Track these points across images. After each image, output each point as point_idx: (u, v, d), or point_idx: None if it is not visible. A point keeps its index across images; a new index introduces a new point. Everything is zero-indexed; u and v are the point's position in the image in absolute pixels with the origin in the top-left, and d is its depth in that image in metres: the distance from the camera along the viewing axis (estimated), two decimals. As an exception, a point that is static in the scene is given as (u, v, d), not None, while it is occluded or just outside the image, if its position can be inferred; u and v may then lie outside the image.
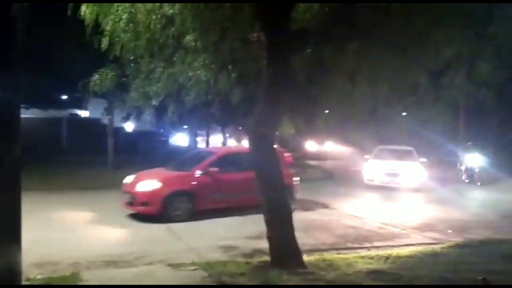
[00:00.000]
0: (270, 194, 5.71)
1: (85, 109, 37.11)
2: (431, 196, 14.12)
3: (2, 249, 4.53)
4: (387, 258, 6.73)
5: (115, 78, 6.31)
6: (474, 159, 17.16)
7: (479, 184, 16.54)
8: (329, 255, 7.00)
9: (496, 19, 5.40)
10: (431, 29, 5.66)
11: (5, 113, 4.64)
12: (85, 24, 5.72)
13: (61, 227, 8.86)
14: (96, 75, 6.22)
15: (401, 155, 16.06)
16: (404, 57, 6.19)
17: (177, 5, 5.55)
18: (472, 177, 17.14)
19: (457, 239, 8.56)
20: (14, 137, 4.64)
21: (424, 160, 16.11)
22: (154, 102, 6.33)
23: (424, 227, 9.69)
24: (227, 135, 36.66)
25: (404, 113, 7.08)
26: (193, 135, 31.07)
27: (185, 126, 35.60)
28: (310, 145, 33.18)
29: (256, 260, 6.48)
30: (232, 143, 39.31)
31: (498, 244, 7.93)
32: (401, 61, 6.20)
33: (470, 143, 18.08)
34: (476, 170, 17.01)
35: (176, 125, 32.66)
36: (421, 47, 5.94)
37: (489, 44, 5.51)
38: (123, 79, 6.43)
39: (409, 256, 6.96)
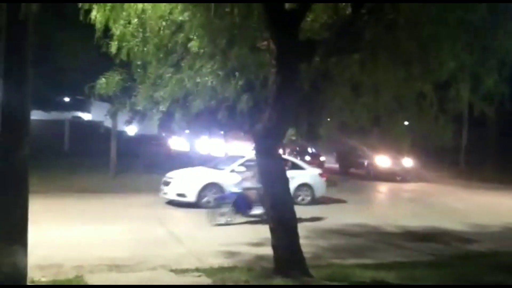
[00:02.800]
0: (275, 201, 5.73)
1: (88, 111, 37.22)
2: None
3: (9, 251, 4.60)
4: (391, 268, 6.75)
5: (122, 82, 6.34)
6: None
7: None
8: (333, 264, 7.02)
9: (501, 33, 5.46)
10: (435, 41, 5.72)
11: (15, 117, 4.71)
12: (95, 28, 5.77)
13: (63, 229, 8.89)
14: (103, 79, 6.25)
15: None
16: (408, 69, 6.24)
17: (187, 12, 5.61)
18: None
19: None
20: (24, 142, 4.71)
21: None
22: (162, 108, 6.35)
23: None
24: (226, 140, 36.71)
25: (406, 122, 7.09)
26: (194, 140, 31.10)
27: (187, 131, 35.68)
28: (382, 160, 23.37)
29: (259, 267, 6.51)
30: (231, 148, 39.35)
31: (500, 256, 7.94)
32: (405, 72, 6.25)
33: None
34: None
35: (178, 130, 32.69)
36: (425, 59, 5.99)
37: (492, 58, 5.54)
38: (129, 83, 6.46)
39: (413, 267, 6.97)
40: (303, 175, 14.05)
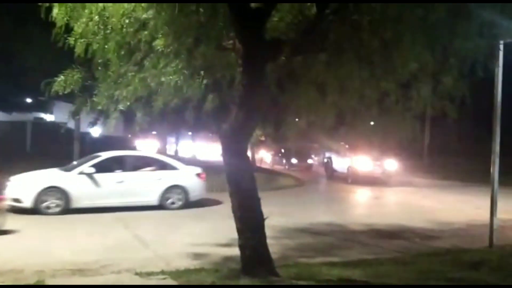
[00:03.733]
0: (242, 201, 5.70)
1: (51, 113, 36.23)
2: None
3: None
4: (357, 266, 6.83)
5: (81, 80, 6.16)
6: None
7: None
8: (300, 263, 7.05)
9: (460, 33, 5.62)
10: (397, 42, 5.83)
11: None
12: (57, 26, 5.61)
13: (24, 234, 8.61)
14: (61, 76, 6.06)
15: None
16: (372, 69, 6.34)
17: (151, 10, 5.51)
18: None
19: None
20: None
21: None
22: (122, 107, 6.19)
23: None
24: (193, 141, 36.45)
25: (371, 123, 7.21)
26: (163, 141, 30.77)
27: (154, 132, 35.26)
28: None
29: (226, 268, 6.47)
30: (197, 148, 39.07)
31: (463, 252, 8.16)
32: (369, 72, 6.35)
33: None
34: None
35: (144, 131, 32.22)
36: (387, 60, 6.10)
37: (452, 58, 5.73)
38: (89, 82, 6.29)
39: (378, 264, 7.08)
40: (175, 175, 12.79)
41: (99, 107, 6.24)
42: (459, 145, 31.81)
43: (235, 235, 5.89)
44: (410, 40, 5.55)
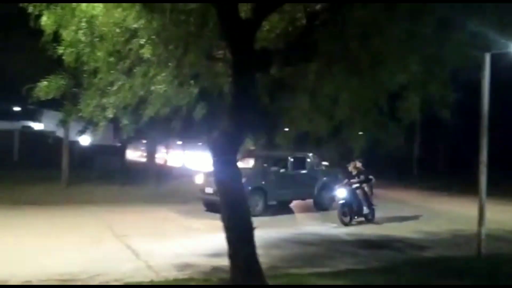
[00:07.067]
0: (231, 211, 5.68)
1: (39, 121, 35.93)
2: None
3: None
4: (346, 275, 6.83)
5: (65, 86, 6.09)
6: None
7: None
8: (290, 273, 7.03)
9: (449, 45, 5.73)
10: (384, 53, 5.90)
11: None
12: (45, 34, 5.58)
13: (10, 243, 8.48)
14: (44, 82, 5.99)
15: None
16: (361, 80, 6.39)
17: (142, 19, 5.52)
18: None
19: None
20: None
21: None
22: (109, 114, 6.15)
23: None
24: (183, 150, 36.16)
25: (360, 133, 7.25)
26: (152, 150, 30.56)
27: (144, 141, 35.08)
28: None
29: (215, 278, 6.43)
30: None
31: (450, 261, 8.20)
32: (358, 83, 6.40)
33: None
34: None
35: (133, 140, 32.05)
36: (376, 70, 6.16)
37: (440, 67, 5.82)
38: (74, 89, 6.23)
39: (366, 273, 7.09)
40: None
41: (84, 115, 6.18)
42: (447, 156, 32.08)
43: (225, 245, 5.86)
44: (398, 52, 5.61)
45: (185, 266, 7.37)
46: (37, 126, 35.87)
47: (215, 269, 7.04)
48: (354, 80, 6.30)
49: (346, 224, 12.08)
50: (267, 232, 10.51)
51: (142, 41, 5.66)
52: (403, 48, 5.79)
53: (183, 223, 11.83)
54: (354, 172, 12.71)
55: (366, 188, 12.74)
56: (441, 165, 30.65)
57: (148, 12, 5.47)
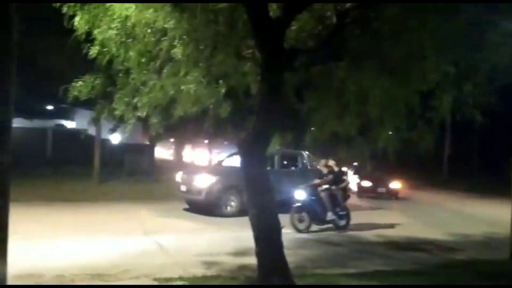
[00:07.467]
0: (260, 210, 5.70)
1: (72, 120, 36.85)
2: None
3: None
4: (373, 277, 6.75)
5: (100, 86, 6.23)
6: None
7: None
8: (317, 273, 7.00)
9: (487, 46, 5.58)
10: (418, 52, 5.80)
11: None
12: (77, 34, 5.72)
13: (45, 239, 8.72)
14: (80, 82, 6.14)
15: None
16: (393, 79, 6.31)
17: (172, 20, 5.59)
18: None
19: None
20: (5, 147, 4.59)
21: None
22: (140, 114, 6.27)
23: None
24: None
25: (390, 132, 7.11)
26: (179, 148, 30.96)
27: (172, 140, 35.52)
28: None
29: (242, 276, 6.46)
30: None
31: (482, 265, 8.00)
32: (389, 82, 6.32)
33: None
34: None
35: (162, 138, 32.50)
36: (408, 70, 6.07)
37: (475, 68, 5.66)
38: (108, 88, 6.36)
39: (396, 276, 6.98)
40: None
41: (118, 113, 6.31)
42: (480, 157, 31.25)
43: (251, 244, 5.88)
44: (432, 51, 5.52)
45: (212, 264, 7.43)
46: (70, 124, 36.80)
47: (242, 267, 7.08)
48: (384, 79, 6.24)
49: (300, 231, 10.65)
50: (293, 231, 10.51)
51: (172, 42, 5.73)
52: (436, 46, 5.69)
53: (212, 221, 11.93)
54: (325, 171, 11.40)
55: (336, 191, 11.32)
56: (473, 166, 29.88)
57: (179, 12, 5.55)
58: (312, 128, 8.46)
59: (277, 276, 5.57)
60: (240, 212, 11.72)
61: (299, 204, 10.86)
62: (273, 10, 5.72)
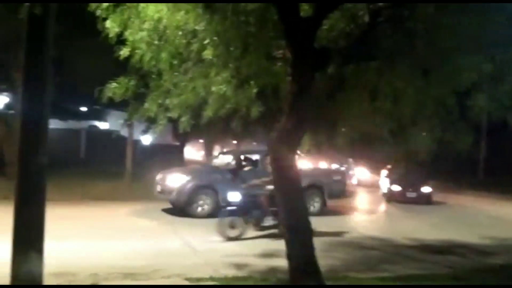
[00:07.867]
0: (291, 212, 5.65)
1: (105, 121, 37.63)
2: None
3: (26, 259, 4.60)
4: (407, 281, 6.61)
5: (134, 88, 6.31)
6: None
7: None
8: (349, 276, 6.90)
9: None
10: (454, 53, 5.65)
11: (34, 126, 4.74)
12: (109, 36, 5.80)
13: (79, 238, 8.90)
14: (114, 83, 6.23)
15: None
16: (427, 78, 6.17)
17: (203, 22, 5.61)
18: None
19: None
20: (41, 149, 4.72)
21: None
22: (172, 114, 6.32)
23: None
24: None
25: (423, 133, 6.91)
26: (209, 149, 31.18)
27: (201, 140, 35.80)
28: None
29: (274, 277, 6.43)
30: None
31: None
32: (424, 82, 6.18)
33: None
34: None
35: (191, 139, 32.82)
36: (443, 69, 5.92)
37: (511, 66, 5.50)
38: (141, 89, 6.44)
39: (431, 280, 6.82)
40: None
41: (150, 114, 6.38)
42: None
43: (282, 246, 5.84)
44: (468, 50, 5.36)
45: (242, 265, 7.43)
46: (102, 125, 37.58)
47: (272, 269, 7.04)
48: (418, 78, 6.10)
49: (230, 239, 9.15)
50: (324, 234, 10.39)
51: (204, 42, 5.75)
52: (472, 45, 5.53)
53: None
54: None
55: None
56: (510, 168, 28.91)
57: (209, 14, 5.56)
58: (343, 129, 8.35)
59: (309, 279, 5.51)
60: (213, 213, 11.39)
61: (232, 207, 9.57)
62: (304, 10, 5.66)
